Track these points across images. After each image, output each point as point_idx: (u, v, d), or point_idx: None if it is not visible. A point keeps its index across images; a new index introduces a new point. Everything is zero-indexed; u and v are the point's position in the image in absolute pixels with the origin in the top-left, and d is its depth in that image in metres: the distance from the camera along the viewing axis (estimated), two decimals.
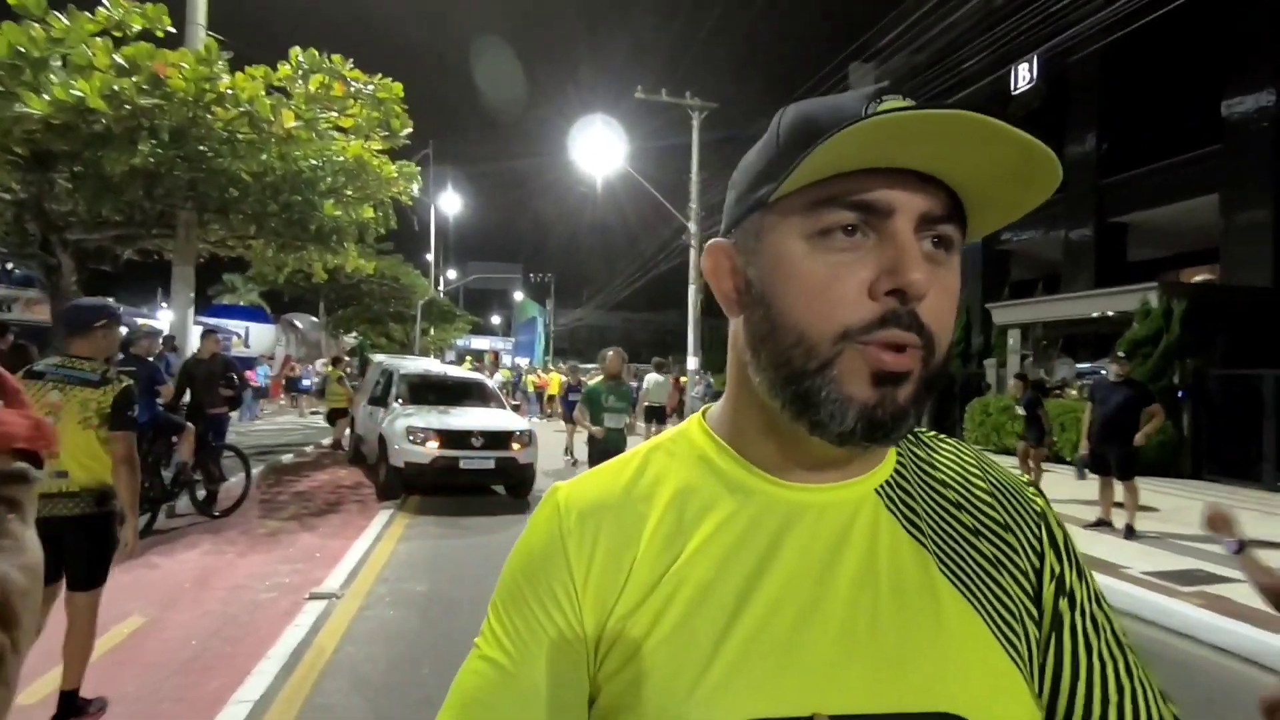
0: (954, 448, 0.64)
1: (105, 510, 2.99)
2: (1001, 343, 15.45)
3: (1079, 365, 15.31)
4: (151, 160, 6.82)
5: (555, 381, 22.63)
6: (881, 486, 0.57)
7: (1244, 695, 3.67)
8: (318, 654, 3.79)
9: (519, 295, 63.08)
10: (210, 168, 7.29)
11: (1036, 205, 0.51)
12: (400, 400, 9.01)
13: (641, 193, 17.78)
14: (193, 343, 8.53)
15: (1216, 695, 3.67)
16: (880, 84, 0.52)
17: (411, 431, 7.91)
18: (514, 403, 19.01)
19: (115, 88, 6.38)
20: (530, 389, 22.76)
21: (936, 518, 0.57)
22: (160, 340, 7.17)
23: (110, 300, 3.54)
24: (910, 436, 0.62)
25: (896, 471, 0.58)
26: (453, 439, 7.98)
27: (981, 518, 0.58)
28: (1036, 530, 0.59)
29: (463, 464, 7.92)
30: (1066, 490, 8.84)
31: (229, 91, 7.05)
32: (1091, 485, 7.19)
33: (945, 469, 0.61)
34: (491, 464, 8.07)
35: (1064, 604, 0.57)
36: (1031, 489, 0.62)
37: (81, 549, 2.95)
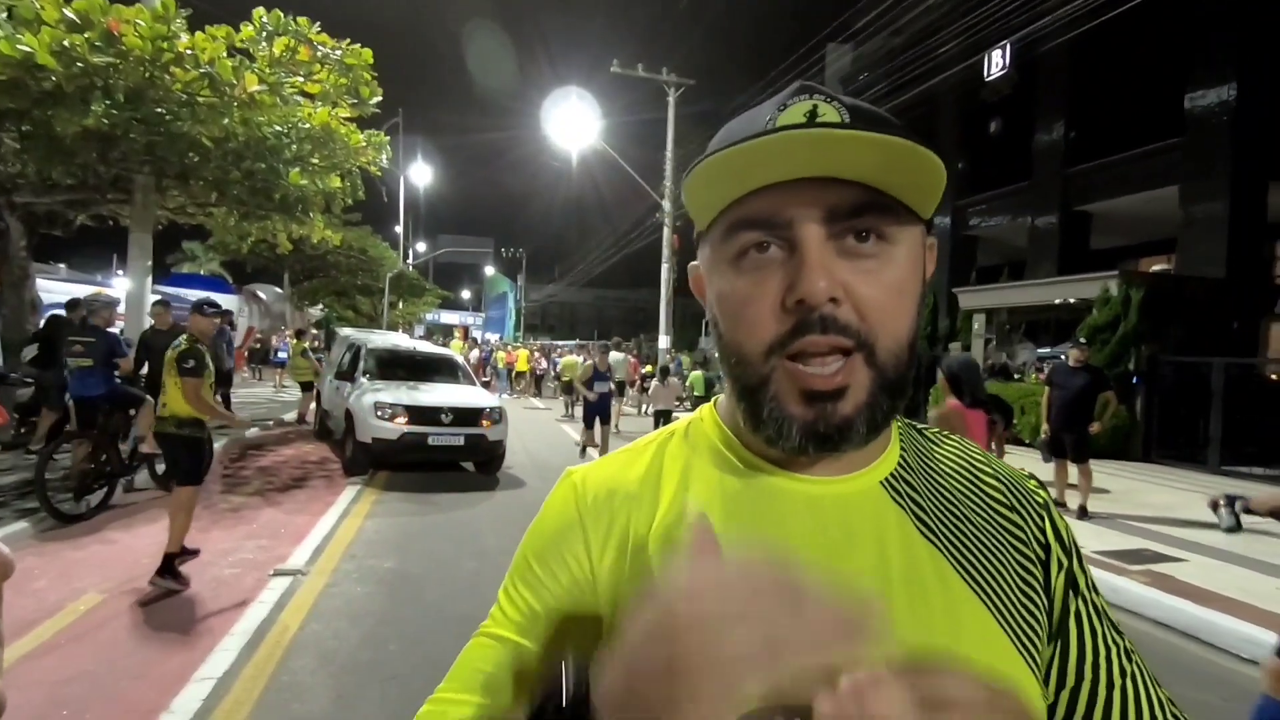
0: (957, 442, 0.65)
1: (186, 432, 4.38)
2: (967, 327, 15.76)
3: (1040, 350, 15.72)
4: (105, 122, 6.54)
5: (523, 358, 22.53)
6: (887, 479, 0.57)
7: (1185, 669, 3.85)
8: (282, 631, 3.76)
9: (490, 270, 62.39)
10: (169, 131, 7.01)
11: (935, 192, 0.51)
12: (368, 375, 8.88)
13: (616, 169, 17.61)
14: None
15: (1160, 669, 3.83)
16: (794, 85, 0.53)
17: (380, 407, 7.81)
18: (484, 379, 18.88)
19: (65, 43, 6.09)
20: (500, 365, 22.61)
21: (943, 511, 0.57)
22: (115, 310, 6.93)
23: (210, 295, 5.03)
24: (914, 430, 0.64)
25: (901, 464, 0.59)
26: (422, 415, 7.90)
27: (988, 511, 0.59)
28: (1040, 523, 0.60)
29: (432, 440, 7.86)
30: (1035, 471, 9.09)
31: (188, 52, 6.77)
32: (1051, 467, 7.42)
33: (949, 462, 0.62)
34: (461, 440, 8.02)
35: (1071, 594, 0.59)
36: (1033, 482, 0.63)
37: (176, 455, 4.44)
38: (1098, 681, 0.57)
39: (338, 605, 4.19)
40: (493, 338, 41.83)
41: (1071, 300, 13.25)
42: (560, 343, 36.21)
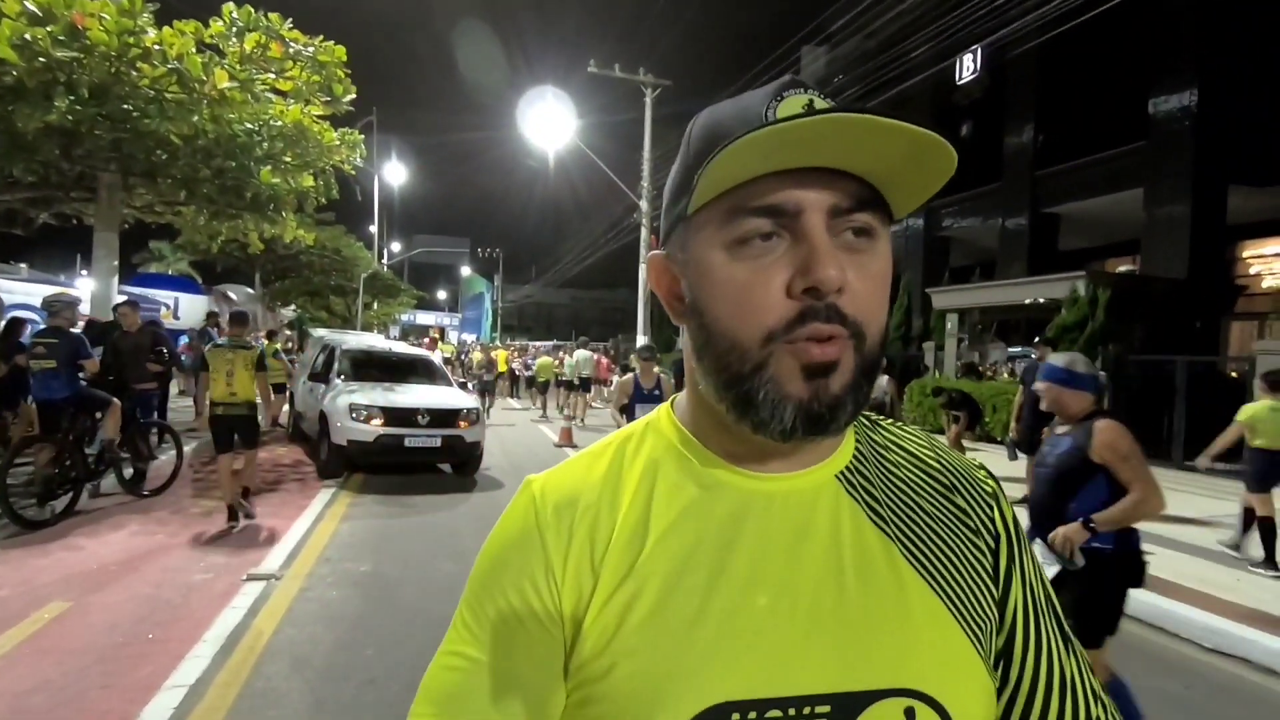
0: (909, 434, 0.66)
1: (253, 412, 6.04)
2: (940, 326, 16.00)
3: (1011, 349, 16.02)
4: (70, 118, 6.38)
5: (502, 358, 22.37)
6: (842, 472, 0.58)
7: (1150, 657, 3.95)
8: (256, 636, 3.70)
9: (466, 270, 61.89)
10: (135, 128, 6.87)
11: (940, 186, 0.52)
12: (342, 376, 8.76)
13: (593, 169, 17.59)
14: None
15: (1126, 657, 3.93)
16: (783, 79, 0.53)
17: (355, 409, 7.72)
18: (461, 380, 18.73)
19: (27, 36, 5.93)
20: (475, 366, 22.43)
21: (896, 502, 0.59)
22: (79, 310, 6.76)
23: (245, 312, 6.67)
24: (866, 422, 0.64)
25: (856, 457, 0.60)
26: (398, 417, 7.82)
27: (939, 501, 0.60)
28: (990, 512, 0.62)
29: (408, 442, 7.78)
30: (998, 470, 9.26)
31: (156, 47, 6.64)
32: (1020, 464, 7.55)
33: (902, 454, 0.63)
34: (438, 442, 7.95)
35: (1017, 582, 0.61)
36: (982, 471, 0.65)
37: (247, 428, 6.01)
38: (1039, 671, 0.59)
39: (313, 609, 4.13)
40: (469, 338, 41.52)
41: (1041, 300, 13.52)
42: (536, 343, 36.06)
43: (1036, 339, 7.84)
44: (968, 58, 14.09)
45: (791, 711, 0.50)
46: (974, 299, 15.58)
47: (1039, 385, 3.03)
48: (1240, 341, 14.05)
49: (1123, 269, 15.82)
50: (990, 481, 0.64)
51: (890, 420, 0.67)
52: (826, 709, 0.50)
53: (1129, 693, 2.55)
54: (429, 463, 8.34)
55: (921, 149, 0.48)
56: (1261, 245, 15.09)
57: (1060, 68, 15.65)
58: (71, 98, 6.37)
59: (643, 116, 17.99)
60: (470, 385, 17.21)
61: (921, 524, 0.58)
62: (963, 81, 14.42)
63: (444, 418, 8.04)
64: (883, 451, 0.62)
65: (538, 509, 0.58)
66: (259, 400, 6.09)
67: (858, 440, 0.62)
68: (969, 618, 0.55)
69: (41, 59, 6.09)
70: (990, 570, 0.59)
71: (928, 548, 0.57)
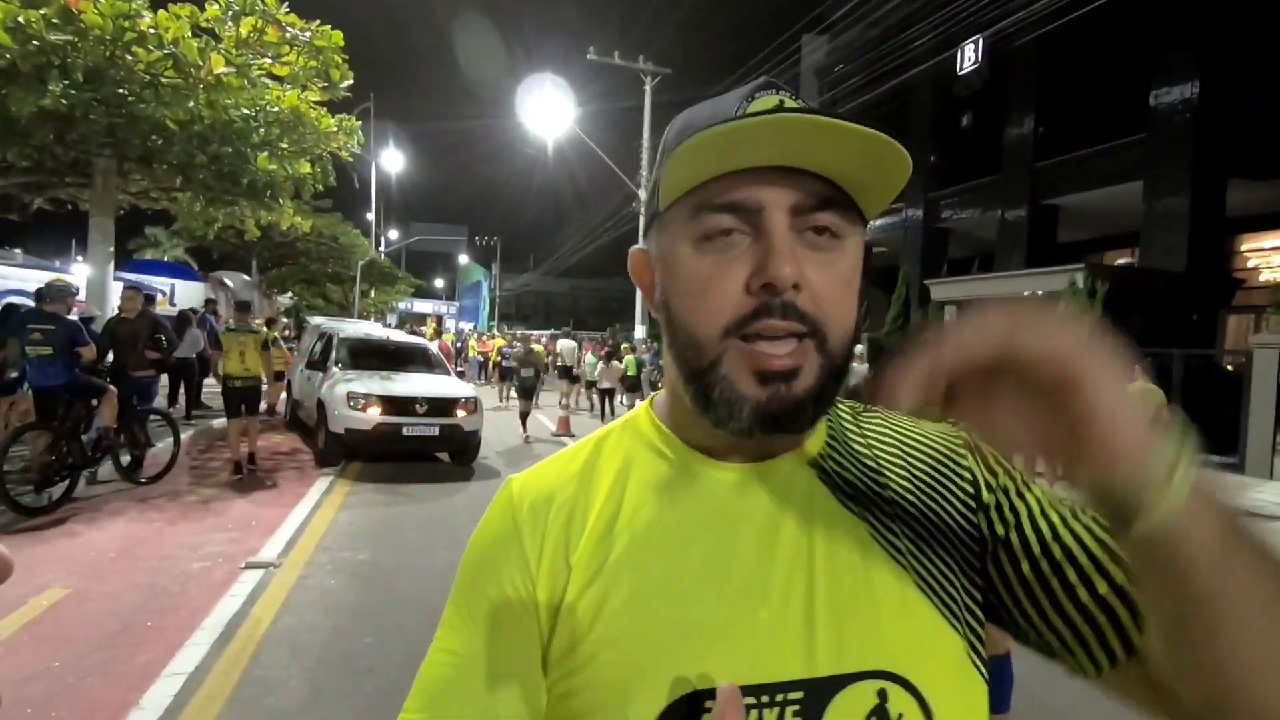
0: (883, 416, 0.65)
1: (260, 384, 7.42)
2: (939, 318, 16.00)
3: None
4: (64, 102, 6.31)
5: (498, 347, 22.33)
6: (815, 458, 0.59)
7: None
8: (255, 625, 3.71)
9: (464, 258, 61.70)
10: (131, 113, 6.80)
11: (898, 189, 0.53)
12: (340, 365, 8.74)
13: (592, 157, 17.51)
14: (113, 300, 8.07)
15: None
16: (759, 80, 0.54)
17: (352, 397, 7.71)
18: (459, 369, 18.71)
19: (20, 19, 5.86)
20: (472, 354, 22.40)
21: (869, 486, 0.58)
22: (73, 297, 6.71)
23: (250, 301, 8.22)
24: (846, 409, 0.65)
25: (829, 442, 0.60)
26: (396, 405, 7.82)
27: (913, 483, 0.59)
28: (966, 462, 0.60)
29: (406, 431, 7.79)
30: None
31: (151, 31, 6.56)
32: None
33: (876, 437, 0.63)
34: (436, 431, 7.95)
35: (1011, 533, 0.56)
36: (958, 438, 0.62)
37: (253, 398, 7.29)
38: (1042, 598, 0.55)
39: (311, 598, 4.14)
40: (466, 327, 41.46)
41: (1040, 292, 13.51)
42: (535, 332, 36.02)
43: None
44: (968, 48, 14.00)
45: (765, 699, 0.50)
46: (972, 291, 15.57)
47: None
48: (1237, 335, 14.08)
49: (1121, 262, 15.82)
50: (963, 433, 0.62)
51: (864, 405, 0.67)
52: (799, 695, 0.50)
53: (1009, 664, 2.57)
54: (427, 451, 8.34)
55: (876, 150, 0.49)
56: (1260, 239, 15.09)
57: (1060, 59, 15.57)
58: (66, 82, 6.30)
59: (642, 104, 17.89)
60: (497, 384, 16.45)
61: (896, 506, 0.58)
62: (963, 72, 14.33)
63: (442, 406, 8.03)
64: (857, 436, 0.62)
65: (515, 507, 0.60)
66: (264, 377, 7.68)
67: (830, 425, 0.62)
68: (944, 597, 0.54)
69: (35, 42, 6.02)
70: (975, 539, 0.57)
71: (902, 530, 0.57)
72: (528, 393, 11.35)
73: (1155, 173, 13.53)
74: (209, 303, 13.00)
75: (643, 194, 17.66)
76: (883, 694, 0.51)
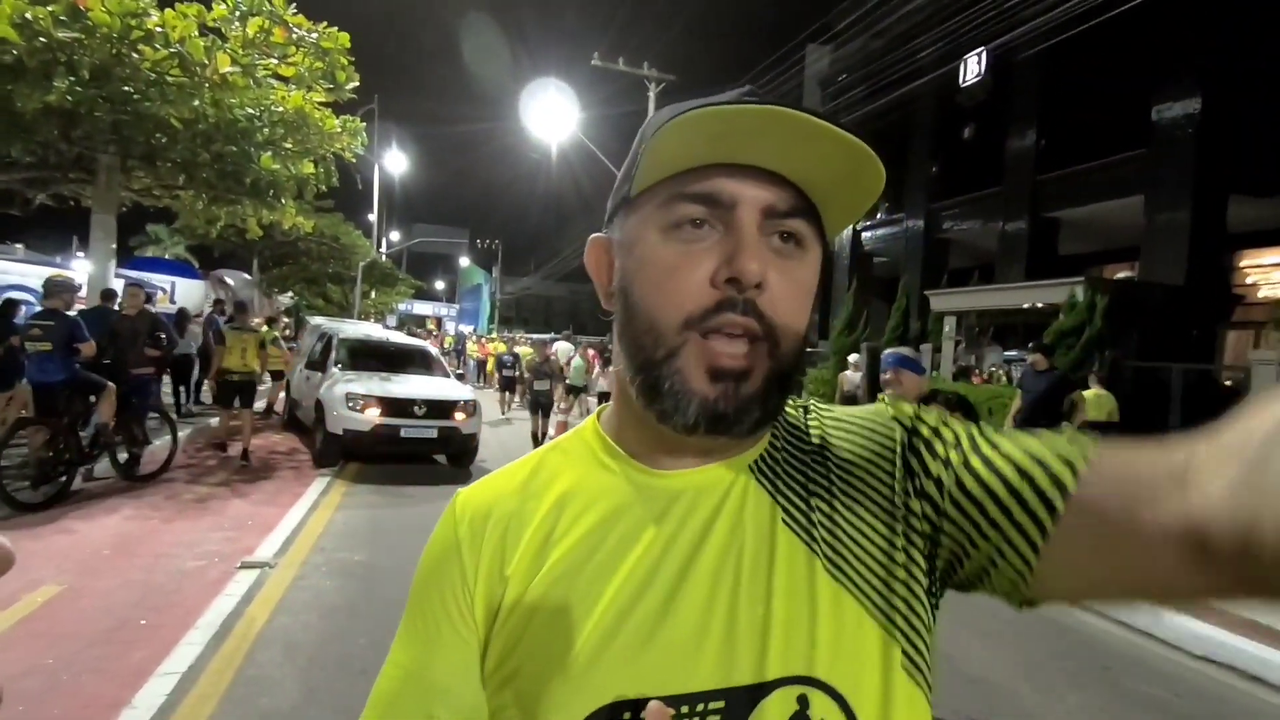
0: (824, 414, 0.62)
1: (255, 380, 8.14)
2: (938, 328, 16.01)
3: (1007, 353, 16.05)
4: (69, 99, 6.33)
5: (494, 351, 22.30)
6: (754, 462, 0.58)
7: (1141, 665, 3.98)
8: (249, 624, 3.70)
9: (465, 261, 61.70)
10: (136, 111, 6.82)
11: (868, 205, 0.53)
12: (339, 365, 8.74)
13: (595, 162, 17.54)
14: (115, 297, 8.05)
15: (1112, 663, 3.97)
16: (743, 89, 0.54)
17: (351, 398, 7.70)
18: (459, 371, 18.70)
19: (28, 16, 5.88)
20: (471, 357, 22.39)
21: (801, 488, 0.57)
22: (76, 294, 6.70)
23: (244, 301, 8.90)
24: (792, 410, 0.62)
25: (770, 445, 0.59)
26: (394, 407, 7.81)
27: (845, 480, 0.56)
28: (895, 466, 0.56)
29: (404, 433, 7.77)
30: None
31: (158, 30, 6.58)
32: None
33: (814, 437, 0.60)
34: (434, 433, 7.94)
35: (943, 500, 0.53)
36: (887, 414, 0.59)
37: (249, 391, 7.98)
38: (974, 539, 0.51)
39: (306, 598, 4.13)
40: (466, 329, 41.43)
41: (1039, 305, 13.53)
42: (535, 336, 35.98)
43: (1030, 344, 7.91)
44: (972, 61, 14.06)
45: (684, 709, 0.50)
46: (972, 302, 15.58)
47: (885, 375, 3.50)
48: (1236, 350, 14.09)
49: (1121, 275, 15.83)
50: (893, 408, 0.59)
51: (810, 403, 0.64)
52: (720, 704, 0.50)
53: None
54: (424, 453, 8.33)
55: (855, 160, 0.49)
56: (1259, 255, 15.12)
57: (1063, 73, 15.63)
58: (72, 79, 6.32)
59: (646, 110, 17.94)
60: (499, 394, 15.68)
61: (826, 507, 0.55)
62: (966, 84, 14.39)
63: (440, 409, 8.03)
64: (794, 438, 0.60)
65: (457, 521, 0.61)
66: (260, 373, 8.46)
67: (774, 431, 0.60)
68: (881, 602, 0.52)
69: (42, 39, 6.04)
70: (919, 529, 0.53)
71: (836, 529, 0.54)
72: (544, 410, 9.65)
73: (1156, 187, 13.56)
74: (218, 303, 13.04)
75: None
76: (803, 699, 0.49)
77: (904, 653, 0.52)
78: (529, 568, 0.56)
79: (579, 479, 0.60)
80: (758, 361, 0.51)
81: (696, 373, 0.51)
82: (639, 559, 0.54)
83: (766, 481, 0.57)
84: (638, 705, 0.50)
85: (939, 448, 0.55)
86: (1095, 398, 8.47)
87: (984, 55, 13.70)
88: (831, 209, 0.54)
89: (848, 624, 0.52)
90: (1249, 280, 15.23)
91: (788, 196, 0.52)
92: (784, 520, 0.55)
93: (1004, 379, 13.41)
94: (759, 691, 0.50)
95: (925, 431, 0.56)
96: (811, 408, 0.64)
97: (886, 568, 0.53)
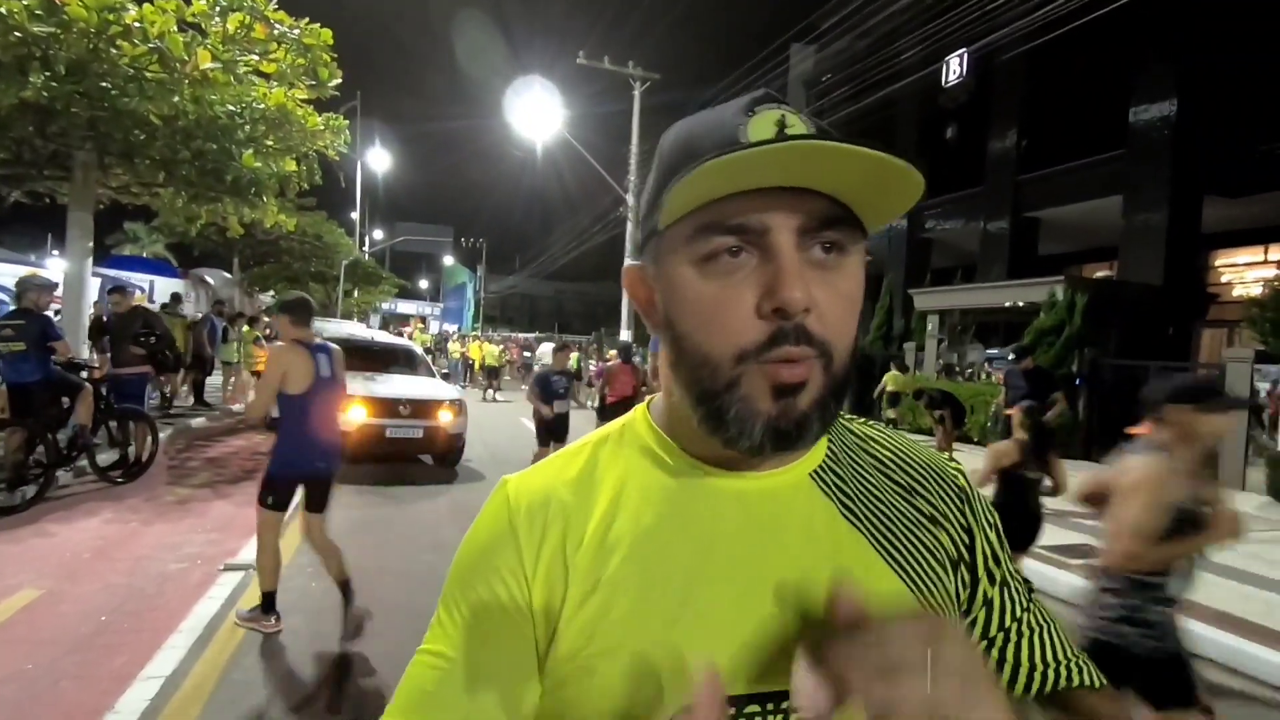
0: (883, 433, 0.68)
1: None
2: (921, 327, 16.16)
3: (989, 351, 16.25)
4: (45, 94, 6.22)
5: (475, 350, 22.10)
6: (815, 471, 0.60)
7: None
8: (233, 628, 3.65)
9: (449, 260, 61.35)
10: (113, 107, 6.70)
11: (908, 208, 0.53)
12: None
13: (580, 161, 17.51)
14: (89, 296, 7.93)
15: None
16: (757, 93, 0.54)
17: None
18: (444, 371, 18.60)
19: (2, 10, 5.76)
20: (455, 357, 22.26)
21: (870, 500, 0.60)
22: (52, 293, 6.57)
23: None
24: (842, 422, 0.66)
25: (829, 455, 0.61)
26: (379, 406, 7.75)
27: (912, 499, 0.62)
28: (961, 507, 0.64)
29: (389, 432, 7.71)
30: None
31: (136, 24, 6.48)
32: None
33: (877, 453, 0.65)
34: (419, 433, 7.89)
35: (992, 580, 0.64)
36: (953, 466, 0.67)
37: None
38: (1019, 664, 0.64)
39: (292, 600, 4.09)
40: (450, 328, 41.18)
41: (1020, 303, 13.71)
42: (523, 335, 35.87)
43: (1011, 350, 8.06)
44: (953, 62, 14.20)
45: (770, 706, 0.51)
46: (955, 301, 15.75)
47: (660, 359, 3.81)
48: (1211, 348, 14.36)
49: (1100, 274, 16.08)
50: (960, 477, 0.66)
51: (862, 420, 0.69)
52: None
53: None
54: (410, 453, 8.27)
55: (889, 173, 0.48)
56: (1233, 255, 15.44)
57: (1044, 75, 15.85)
58: (48, 74, 6.21)
59: (631, 109, 17.93)
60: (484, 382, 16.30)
61: (895, 521, 0.60)
62: (948, 85, 14.54)
63: (426, 408, 7.98)
64: (856, 451, 0.64)
65: (511, 508, 0.59)
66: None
67: (830, 439, 0.63)
68: (935, 602, 0.58)
69: (17, 33, 5.93)
70: (951, 558, 0.62)
71: (901, 545, 0.59)
72: (557, 438, 7.19)
73: (1134, 188, 13.79)
74: (218, 304, 12.98)
75: (630, 198, 17.67)
76: None
77: None
78: (592, 564, 0.55)
79: (636, 474, 0.59)
80: (814, 376, 0.51)
81: (761, 394, 0.51)
82: (715, 559, 0.55)
83: (829, 489, 0.59)
84: (734, 701, 0.51)
85: (1002, 568, 0.65)
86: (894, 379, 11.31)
87: (965, 57, 13.84)
88: (868, 210, 0.53)
89: None
90: (1223, 279, 15.53)
91: (821, 210, 0.51)
92: (852, 527, 0.58)
93: (986, 376, 13.54)
94: None
95: (997, 541, 0.65)
96: (858, 424, 0.68)
97: (935, 575, 0.59)
